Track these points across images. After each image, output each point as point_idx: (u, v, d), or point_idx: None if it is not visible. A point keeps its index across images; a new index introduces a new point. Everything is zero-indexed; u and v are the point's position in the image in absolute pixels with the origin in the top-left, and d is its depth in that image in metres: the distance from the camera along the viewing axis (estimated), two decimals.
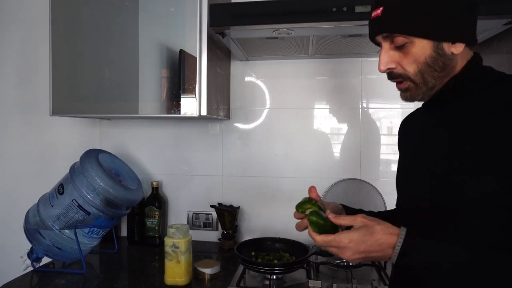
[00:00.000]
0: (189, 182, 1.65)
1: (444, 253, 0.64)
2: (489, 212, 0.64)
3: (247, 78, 1.61)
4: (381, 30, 0.71)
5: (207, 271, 1.19)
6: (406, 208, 0.81)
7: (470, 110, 0.69)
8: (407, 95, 0.74)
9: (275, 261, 1.18)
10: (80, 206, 1.22)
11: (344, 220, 0.71)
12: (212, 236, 1.62)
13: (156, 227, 1.55)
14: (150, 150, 1.67)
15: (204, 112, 1.24)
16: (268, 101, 1.59)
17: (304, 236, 1.41)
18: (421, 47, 0.68)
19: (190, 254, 1.17)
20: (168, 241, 1.14)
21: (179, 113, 1.23)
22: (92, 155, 1.28)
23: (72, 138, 1.69)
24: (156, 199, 1.56)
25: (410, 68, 0.70)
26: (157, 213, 1.55)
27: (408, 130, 0.89)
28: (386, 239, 0.66)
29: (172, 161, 1.66)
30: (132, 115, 1.31)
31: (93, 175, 1.22)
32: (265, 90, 1.60)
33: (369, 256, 0.68)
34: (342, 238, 0.68)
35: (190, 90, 1.23)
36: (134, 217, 1.57)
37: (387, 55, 0.71)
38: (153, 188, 1.57)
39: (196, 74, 1.22)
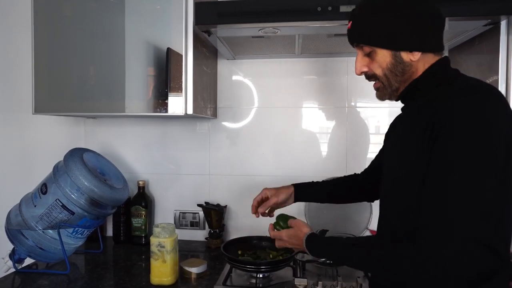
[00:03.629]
0: (176, 181, 1.64)
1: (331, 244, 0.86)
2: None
3: (234, 77, 1.61)
4: (351, 41, 0.85)
5: (194, 270, 1.19)
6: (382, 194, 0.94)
7: (421, 110, 0.77)
8: (378, 94, 0.87)
9: (262, 260, 1.19)
10: (64, 206, 1.20)
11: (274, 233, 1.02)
12: (199, 235, 1.61)
13: (142, 227, 1.54)
14: (136, 149, 1.66)
15: (190, 111, 1.23)
16: (255, 100, 1.60)
17: None
18: (382, 55, 0.80)
19: (176, 253, 1.17)
20: (153, 241, 1.13)
21: (166, 112, 1.23)
22: (77, 154, 1.27)
23: (56, 137, 1.67)
24: (143, 198, 1.55)
25: (378, 71, 0.82)
26: (143, 212, 1.54)
27: (392, 124, 1.00)
28: (300, 234, 0.92)
29: (158, 160, 1.65)
30: (117, 114, 1.30)
31: (77, 174, 1.20)
32: (252, 89, 1.60)
33: (295, 244, 0.94)
34: (282, 233, 0.97)
35: (176, 89, 1.22)
36: (120, 217, 1.55)
37: (360, 61, 0.84)
38: (139, 187, 1.56)
39: (182, 72, 1.21)
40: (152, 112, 1.25)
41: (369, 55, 0.81)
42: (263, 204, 1.12)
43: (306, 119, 1.57)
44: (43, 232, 1.21)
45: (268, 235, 1.39)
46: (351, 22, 0.83)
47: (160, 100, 1.23)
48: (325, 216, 1.53)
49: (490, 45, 1.20)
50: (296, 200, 1.14)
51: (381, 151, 1.09)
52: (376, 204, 1.52)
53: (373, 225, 1.52)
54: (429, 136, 0.70)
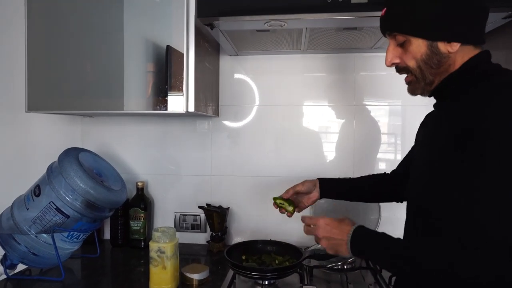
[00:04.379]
0: (176, 182, 1.58)
1: (386, 241, 0.74)
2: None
3: (237, 74, 1.54)
4: (383, 29, 0.80)
5: (195, 276, 1.12)
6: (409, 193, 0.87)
7: (456, 108, 0.72)
8: (409, 88, 0.81)
9: (267, 265, 1.13)
10: (58, 209, 1.14)
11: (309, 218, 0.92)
12: (201, 238, 1.55)
13: (141, 230, 1.47)
14: (135, 149, 1.59)
15: (191, 109, 1.17)
16: (258, 98, 1.53)
17: (296, 238, 1.37)
18: (417, 46, 0.74)
19: (177, 259, 1.10)
20: (153, 246, 1.07)
21: (166, 109, 1.17)
22: (72, 154, 1.20)
23: (52, 136, 1.60)
24: (141, 200, 1.49)
25: (410, 63, 0.76)
26: (142, 214, 1.47)
27: (423, 123, 0.93)
28: (346, 226, 0.82)
29: (158, 160, 1.58)
30: (115, 112, 1.24)
31: (72, 175, 1.14)
32: (255, 87, 1.54)
33: (334, 235, 0.82)
34: (320, 219, 0.87)
35: (177, 85, 1.16)
36: (118, 219, 1.49)
37: (391, 51, 0.78)
38: (138, 189, 1.50)
39: (183, 68, 1.15)
40: (152, 110, 1.19)
41: (402, 45, 0.76)
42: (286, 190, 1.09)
43: (312, 118, 1.51)
44: (36, 236, 1.15)
45: (274, 238, 1.37)
46: (385, 9, 0.78)
47: (160, 98, 1.17)
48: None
49: (507, 40, 1.15)
50: (323, 192, 1.09)
51: (411, 151, 1.03)
52: (384, 206, 1.48)
53: (382, 227, 1.46)
54: (462, 137, 0.65)
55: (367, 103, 1.48)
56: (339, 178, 1.13)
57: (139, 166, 1.59)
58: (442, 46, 0.72)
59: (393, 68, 0.82)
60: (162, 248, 1.06)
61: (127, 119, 1.59)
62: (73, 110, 1.27)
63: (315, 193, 1.09)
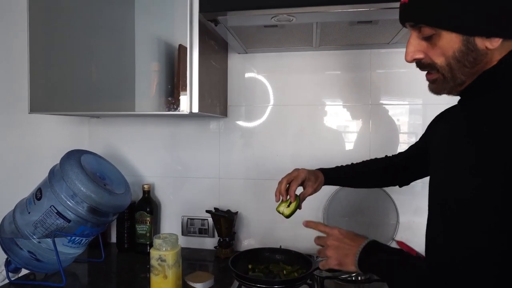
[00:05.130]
0: (183, 184, 1.53)
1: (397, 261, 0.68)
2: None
3: (246, 72, 1.48)
4: (406, 19, 0.67)
5: (199, 286, 1.07)
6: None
7: (490, 106, 0.62)
8: (433, 87, 0.69)
9: (274, 275, 1.06)
10: (59, 213, 1.10)
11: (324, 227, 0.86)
12: (208, 243, 1.50)
13: (147, 234, 1.43)
14: (143, 151, 1.56)
15: (196, 109, 1.12)
16: (269, 97, 1.47)
17: (306, 246, 1.30)
18: (449, 41, 0.62)
19: (179, 267, 1.05)
20: (154, 254, 1.02)
21: (168, 110, 1.12)
22: (74, 157, 1.17)
23: (58, 137, 1.58)
24: (148, 204, 1.45)
25: (438, 60, 0.64)
26: (148, 218, 1.43)
27: (441, 117, 0.84)
28: (360, 238, 0.77)
29: (165, 162, 1.54)
30: (119, 113, 1.19)
31: (73, 178, 1.10)
32: (266, 85, 1.47)
33: (340, 247, 0.77)
34: (336, 229, 0.82)
35: (181, 85, 1.11)
36: (124, 223, 1.45)
37: (414, 45, 0.66)
38: (144, 191, 1.46)
39: (186, 67, 1.10)
40: (157, 111, 1.14)
41: (429, 38, 0.64)
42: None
43: (326, 118, 1.43)
44: (38, 242, 1.12)
45: (284, 245, 1.31)
46: None
47: (165, 98, 1.12)
48: (346, 224, 1.39)
49: None
50: (326, 179, 1.04)
51: (422, 139, 0.96)
52: (403, 213, 1.38)
53: (400, 235, 1.37)
54: (487, 138, 0.57)
55: (384, 102, 1.39)
56: (341, 166, 1.09)
57: (146, 168, 1.55)
58: (480, 42, 0.60)
59: (413, 64, 0.70)
60: (163, 256, 1.01)
61: (135, 120, 1.56)
62: (76, 111, 1.23)
63: (319, 182, 1.04)
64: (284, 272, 1.09)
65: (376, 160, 1.09)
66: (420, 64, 0.68)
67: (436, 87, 0.68)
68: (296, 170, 1.03)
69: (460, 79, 0.64)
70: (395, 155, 1.07)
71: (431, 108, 1.35)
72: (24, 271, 1.22)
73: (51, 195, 1.11)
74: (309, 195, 1.03)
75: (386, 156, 1.10)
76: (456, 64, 0.63)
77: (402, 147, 1.39)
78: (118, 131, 1.57)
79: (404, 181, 1.03)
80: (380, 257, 0.71)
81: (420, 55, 0.66)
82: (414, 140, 1.39)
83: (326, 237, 0.83)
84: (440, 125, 0.82)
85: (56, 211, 1.10)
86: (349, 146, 1.42)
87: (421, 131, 1.39)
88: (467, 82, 0.65)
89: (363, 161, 1.10)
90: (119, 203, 1.21)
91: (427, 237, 0.75)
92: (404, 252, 0.71)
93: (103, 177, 1.24)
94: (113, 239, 1.53)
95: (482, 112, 0.62)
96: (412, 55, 0.66)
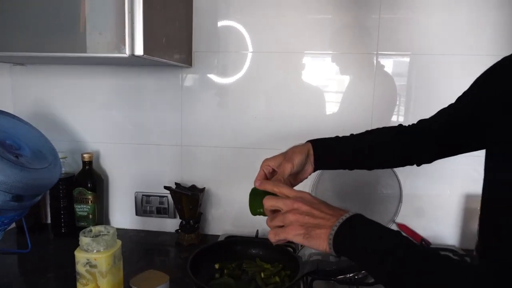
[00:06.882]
0: (137, 153, 1.21)
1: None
2: None
3: (217, 9, 1.12)
4: None
5: None
6: None
7: None
8: None
9: (249, 277, 0.80)
10: None
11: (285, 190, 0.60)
12: (170, 225, 1.22)
13: (90, 216, 1.13)
14: (84, 109, 1.21)
15: (139, 51, 0.78)
16: (246, 43, 1.13)
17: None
18: None
19: (119, 271, 0.77)
20: (80, 257, 0.72)
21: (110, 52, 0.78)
22: None
23: None
24: (89, 178, 1.13)
25: None
26: (90, 197, 1.12)
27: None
28: (341, 210, 0.55)
29: (114, 124, 1.20)
30: (55, 55, 0.83)
31: None
32: (241, 28, 1.12)
33: (313, 215, 0.54)
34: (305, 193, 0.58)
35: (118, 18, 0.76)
36: (59, 201, 1.14)
37: None
38: (84, 163, 1.13)
39: None
40: (85, 52, 0.80)
41: None
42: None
43: (317, 71, 1.12)
44: None
45: (260, 229, 1.05)
46: None
47: (98, 33, 0.78)
48: (342, 206, 1.13)
49: None
50: (317, 163, 0.72)
51: (470, 99, 0.65)
52: (406, 196, 1.14)
53: (401, 217, 1.14)
54: None
55: (394, 52, 1.09)
56: (337, 138, 0.76)
57: (89, 132, 1.22)
58: None
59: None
60: (93, 261, 0.72)
61: (72, 69, 1.19)
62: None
63: (309, 167, 0.73)
64: (262, 275, 0.82)
65: (390, 129, 0.77)
66: None
67: None
68: (284, 159, 0.71)
69: None
70: (420, 121, 0.76)
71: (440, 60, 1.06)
72: None
73: None
74: (290, 173, 0.71)
75: (400, 124, 0.79)
76: None
77: (402, 113, 1.11)
78: (50, 83, 1.21)
79: (429, 158, 0.74)
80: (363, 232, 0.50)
81: None
82: (426, 94, 1.11)
83: (291, 199, 0.57)
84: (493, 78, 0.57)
85: None
86: (345, 105, 1.13)
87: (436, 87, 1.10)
88: None
89: (368, 132, 0.78)
90: (40, 182, 0.88)
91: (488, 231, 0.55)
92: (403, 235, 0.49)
93: (18, 146, 0.90)
94: (49, 220, 1.23)
95: None
96: None
